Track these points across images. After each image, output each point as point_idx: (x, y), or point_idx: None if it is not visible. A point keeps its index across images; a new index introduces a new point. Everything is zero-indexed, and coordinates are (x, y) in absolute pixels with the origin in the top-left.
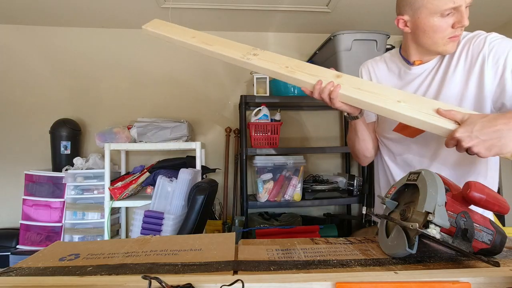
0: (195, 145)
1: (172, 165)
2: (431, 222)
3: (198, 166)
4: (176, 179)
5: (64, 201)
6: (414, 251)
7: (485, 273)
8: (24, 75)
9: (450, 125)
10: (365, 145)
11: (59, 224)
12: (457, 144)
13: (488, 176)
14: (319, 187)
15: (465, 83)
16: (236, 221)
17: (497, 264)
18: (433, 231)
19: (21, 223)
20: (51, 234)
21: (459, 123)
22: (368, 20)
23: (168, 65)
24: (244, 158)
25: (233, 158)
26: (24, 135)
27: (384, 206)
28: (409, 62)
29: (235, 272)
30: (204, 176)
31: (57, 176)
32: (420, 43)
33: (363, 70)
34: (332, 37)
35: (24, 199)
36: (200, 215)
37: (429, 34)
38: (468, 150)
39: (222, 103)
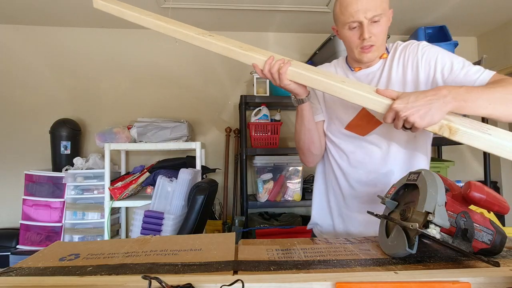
0: (195, 145)
1: (172, 165)
2: (431, 222)
3: (198, 166)
4: (176, 179)
5: (64, 201)
6: (414, 251)
7: (485, 273)
8: (24, 75)
9: (388, 101)
10: (311, 136)
11: (59, 224)
12: (395, 117)
13: (427, 154)
14: None
15: (403, 84)
16: (236, 221)
17: (497, 264)
18: (433, 231)
19: (21, 223)
20: (51, 234)
21: (395, 100)
22: None
23: (168, 65)
24: (244, 158)
25: (233, 158)
26: (24, 135)
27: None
28: (351, 68)
29: (235, 272)
30: (204, 176)
31: (57, 176)
32: (347, 49)
33: None
34: (332, 37)
35: (24, 199)
36: (200, 215)
37: (346, 43)
38: (405, 122)
39: (222, 103)
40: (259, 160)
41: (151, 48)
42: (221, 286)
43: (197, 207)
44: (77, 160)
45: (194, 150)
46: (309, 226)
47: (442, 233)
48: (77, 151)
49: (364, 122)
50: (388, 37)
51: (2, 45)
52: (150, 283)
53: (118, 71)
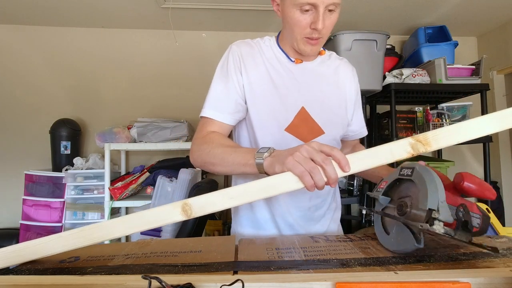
0: None
1: (172, 165)
2: (435, 219)
3: None
4: (176, 179)
5: (64, 201)
6: (422, 245)
7: (485, 274)
8: (24, 75)
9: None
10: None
11: (59, 224)
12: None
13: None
14: None
15: (344, 92)
16: None
17: (496, 250)
18: (438, 227)
19: (21, 223)
20: (51, 234)
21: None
22: (368, 20)
23: (168, 65)
24: None
25: None
26: (24, 135)
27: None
28: (290, 58)
29: (235, 272)
30: (204, 176)
31: (57, 176)
32: (287, 34)
33: (236, 51)
34: (332, 37)
35: (24, 199)
36: (200, 215)
37: (291, 26)
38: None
39: None
40: None
41: (151, 48)
42: (221, 286)
43: None
44: (77, 160)
45: None
46: None
47: (445, 227)
48: (77, 151)
49: (305, 126)
50: (388, 37)
51: (2, 45)
52: (150, 283)
53: (118, 71)
